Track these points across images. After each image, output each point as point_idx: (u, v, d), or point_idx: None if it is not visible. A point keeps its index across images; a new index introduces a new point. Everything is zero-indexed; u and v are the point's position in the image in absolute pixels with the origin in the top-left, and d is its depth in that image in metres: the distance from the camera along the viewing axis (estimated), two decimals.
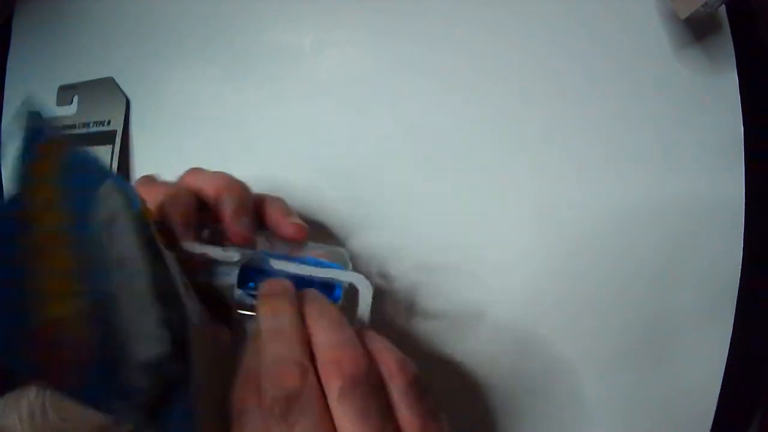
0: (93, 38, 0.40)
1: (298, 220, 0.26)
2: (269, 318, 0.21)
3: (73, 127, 0.42)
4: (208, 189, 0.25)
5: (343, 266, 0.24)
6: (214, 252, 0.23)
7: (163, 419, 0.18)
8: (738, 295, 0.28)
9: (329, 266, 0.24)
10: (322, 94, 0.34)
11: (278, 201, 0.27)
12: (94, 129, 0.40)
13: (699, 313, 0.28)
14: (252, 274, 0.24)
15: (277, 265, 0.23)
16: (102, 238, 0.19)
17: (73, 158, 0.19)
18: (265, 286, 0.23)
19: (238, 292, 0.23)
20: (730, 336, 0.27)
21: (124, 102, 0.38)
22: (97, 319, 0.17)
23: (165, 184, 0.24)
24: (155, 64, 0.38)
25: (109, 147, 0.39)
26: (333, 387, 0.18)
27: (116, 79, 0.38)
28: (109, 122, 0.39)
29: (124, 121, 0.38)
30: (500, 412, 0.29)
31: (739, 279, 0.28)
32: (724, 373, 0.27)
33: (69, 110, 0.42)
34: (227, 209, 0.24)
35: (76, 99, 0.42)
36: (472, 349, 0.30)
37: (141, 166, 0.39)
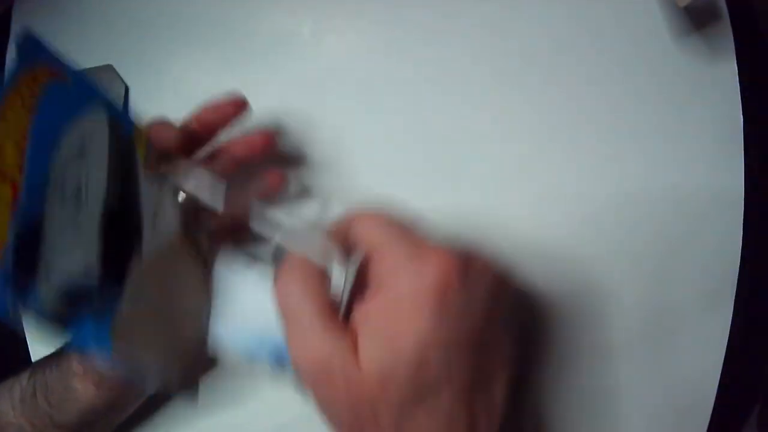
0: (92, 26, 0.40)
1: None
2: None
3: None
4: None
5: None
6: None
7: (76, 334, 0.19)
8: (737, 286, 0.28)
9: None
10: (321, 81, 0.34)
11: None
12: None
13: (698, 303, 0.28)
14: None
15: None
16: (68, 164, 0.19)
17: (53, 86, 0.20)
18: None
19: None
20: (729, 326, 0.27)
21: (123, 89, 0.38)
22: (18, 223, 0.16)
23: None
24: (154, 52, 0.38)
25: None
26: None
27: (115, 67, 0.38)
28: None
29: (123, 108, 0.38)
30: None
31: (738, 269, 0.28)
32: (723, 363, 0.27)
33: None
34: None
35: None
36: None
37: None
